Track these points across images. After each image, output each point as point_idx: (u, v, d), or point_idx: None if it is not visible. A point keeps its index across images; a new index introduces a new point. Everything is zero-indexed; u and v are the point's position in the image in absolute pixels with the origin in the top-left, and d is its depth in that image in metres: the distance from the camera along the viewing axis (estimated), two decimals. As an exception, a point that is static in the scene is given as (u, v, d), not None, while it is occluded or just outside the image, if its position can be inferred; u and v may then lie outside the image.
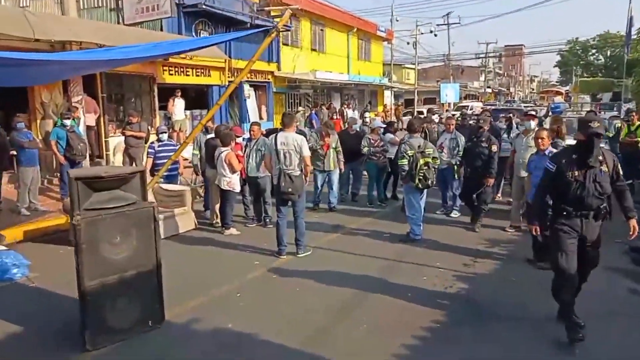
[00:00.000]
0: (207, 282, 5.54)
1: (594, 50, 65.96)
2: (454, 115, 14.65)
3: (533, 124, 7.36)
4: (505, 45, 77.43)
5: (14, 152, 8.47)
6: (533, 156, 6.14)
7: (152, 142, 8.61)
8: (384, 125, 10.40)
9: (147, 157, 8.47)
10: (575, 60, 69.45)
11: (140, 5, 12.07)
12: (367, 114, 14.42)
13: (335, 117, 17.02)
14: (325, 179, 9.15)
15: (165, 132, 8.52)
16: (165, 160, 7.90)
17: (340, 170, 9.19)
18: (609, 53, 62.19)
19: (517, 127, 9.68)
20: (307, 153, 6.39)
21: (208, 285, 5.43)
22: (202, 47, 7.04)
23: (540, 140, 5.83)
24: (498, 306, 4.85)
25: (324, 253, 6.65)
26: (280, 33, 19.20)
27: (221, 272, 5.92)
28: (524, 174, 7.13)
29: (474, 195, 7.79)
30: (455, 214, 8.50)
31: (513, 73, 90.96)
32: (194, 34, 14.99)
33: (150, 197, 7.96)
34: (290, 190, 6.30)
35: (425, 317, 4.59)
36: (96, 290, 3.98)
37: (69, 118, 9.31)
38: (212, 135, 8.17)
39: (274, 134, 6.52)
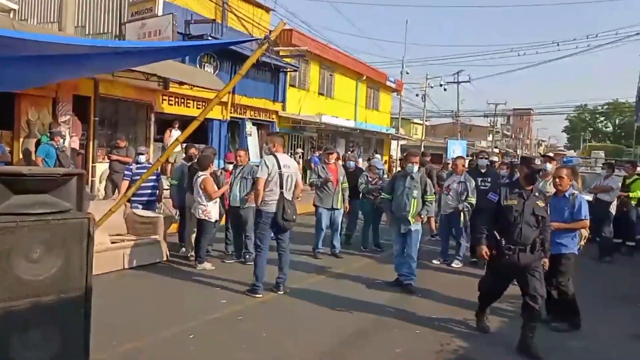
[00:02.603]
0: (159, 321, 4.69)
1: (602, 118, 66.30)
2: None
3: (550, 166, 6.63)
4: (514, 108, 77.90)
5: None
6: (550, 199, 5.36)
7: (129, 165, 7.96)
8: (382, 165, 9.65)
9: (123, 179, 7.77)
10: (584, 127, 69.76)
11: (143, 31, 11.78)
12: (377, 157, 13.77)
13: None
14: (329, 219, 8.04)
15: (144, 154, 7.86)
16: (144, 185, 7.19)
17: (345, 209, 8.31)
18: (617, 121, 62.38)
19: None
20: (300, 177, 6.07)
21: (159, 325, 4.57)
22: (187, 51, 6.44)
23: (558, 180, 5.07)
24: (504, 373, 3.96)
25: (303, 296, 5.77)
26: (289, 74, 19.06)
27: (179, 311, 5.06)
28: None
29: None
30: (457, 264, 7.64)
31: (521, 136, 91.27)
32: (198, 66, 14.67)
33: (120, 221, 7.27)
34: (294, 217, 5.77)
35: (414, 380, 3.70)
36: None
37: (55, 136, 8.73)
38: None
39: (270, 156, 5.80)
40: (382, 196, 6.59)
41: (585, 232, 5.24)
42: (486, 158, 8.26)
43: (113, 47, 4.78)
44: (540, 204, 4.51)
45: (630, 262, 8.88)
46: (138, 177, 7.36)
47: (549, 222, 4.61)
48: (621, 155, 30.77)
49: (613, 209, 9.01)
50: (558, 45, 37.52)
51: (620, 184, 9.19)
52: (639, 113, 26.39)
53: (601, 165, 11.29)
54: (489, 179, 7.73)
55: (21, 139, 10.46)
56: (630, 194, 9.16)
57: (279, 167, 5.66)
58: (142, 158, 7.74)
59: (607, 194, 8.90)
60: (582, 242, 5.27)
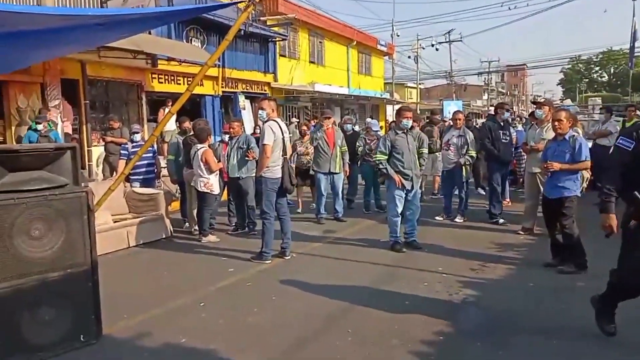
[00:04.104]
0: (167, 292, 4.70)
1: (597, 68, 65.62)
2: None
3: (540, 112, 6.55)
4: (507, 65, 76.87)
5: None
6: (550, 143, 5.32)
7: (125, 144, 7.87)
8: (378, 127, 9.54)
9: (120, 158, 7.70)
10: (579, 78, 69.15)
11: (125, 5, 11.47)
12: (369, 119, 13.68)
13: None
14: (329, 184, 8.02)
15: (138, 133, 7.77)
16: (140, 163, 7.15)
17: (345, 173, 8.26)
18: (612, 70, 61.79)
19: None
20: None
21: (168, 295, 4.59)
22: (169, 17, 6.30)
23: (557, 123, 5.01)
24: (515, 316, 3.98)
25: (311, 259, 5.81)
26: (278, 43, 18.74)
27: (188, 282, 5.07)
28: (536, 169, 6.32)
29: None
30: (460, 219, 7.65)
31: (516, 92, 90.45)
32: (184, 40, 14.40)
33: (121, 201, 7.24)
34: (296, 182, 5.86)
35: (426, 328, 3.72)
36: (8, 296, 3.15)
37: (40, 122, 8.64)
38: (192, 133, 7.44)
39: (272, 122, 5.66)
40: (377, 157, 6.11)
41: (587, 174, 5.22)
42: (508, 110, 8.13)
43: (92, 15, 4.65)
44: None
45: (632, 205, 8.88)
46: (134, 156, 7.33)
47: None
48: (618, 102, 30.66)
49: (613, 154, 8.94)
50: (549, -5, 37.04)
51: (618, 128, 9.14)
52: (633, 59, 26.21)
53: (599, 111, 11.20)
54: (508, 133, 7.64)
55: (13, 127, 10.33)
56: None
57: (282, 133, 5.62)
58: (137, 137, 7.67)
59: (606, 138, 8.85)
60: (585, 185, 5.25)
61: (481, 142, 7.50)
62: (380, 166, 6.06)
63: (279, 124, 5.67)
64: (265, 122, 5.68)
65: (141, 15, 5.36)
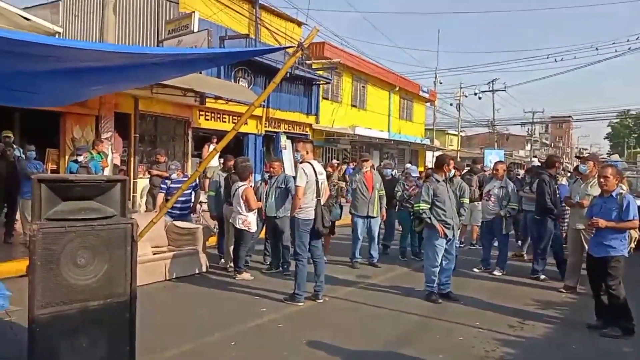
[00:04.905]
0: (200, 328, 4.73)
1: (647, 122, 63.86)
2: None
3: (584, 167, 6.38)
4: (552, 116, 75.66)
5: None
6: (596, 199, 5.17)
7: (165, 179, 8.09)
8: (417, 172, 9.47)
9: (159, 192, 7.95)
10: (627, 133, 67.34)
11: (180, 45, 12.09)
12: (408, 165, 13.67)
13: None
14: (366, 228, 7.96)
15: (174, 172, 7.92)
16: (179, 199, 7.33)
17: (382, 217, 8.18)
18: (664, 125, 59.90)
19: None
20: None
21: (200, 332, 4.62)
22: (222, 59, 6.59)
23: (604, 180, 4.88)
24: (555, 379, 3.80)
25: (342, 304, 5.75)
26: (322, 86, 19.20)
27: (220, 318, 5.10)
28: (580, 225, 6.13)
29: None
30: (498, 273, 7.42)
31: (560, 144, 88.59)
32: (232, 80, 14.97)
33: (161, 233, 7.41)
34: (330, 224, 5.83)
35: (460, 387, 3.60)
36: (50, 321, 3.24)
37: (80, 154, 9.04)
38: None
39: (306, 164, 5.74)
40: (421, 207, 5.97)
41: (635, 234, 5.02)
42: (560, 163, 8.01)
43: (150, 54, 4.94)
44: None
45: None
46: (174, 192, 7.49)
47: None
48: (669, 160, 29.50)
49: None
50: (597, 49, 36.52)
51: None
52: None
53: (649, 168, 10.83)
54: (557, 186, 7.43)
55: (66, 157, 10.86)
56: None
57: (316, 175, 5.69)
58: (174, 175, 7.82)
59: (657, 197, 8.50)
60: (633, 244, 5.04)
61: (541, 199, 7.06)
62: (424, 215, 5.97)
63: (312, 166, 5.75)
64: (300, 163, 5.80)
65: (195, 56, 5.66)
